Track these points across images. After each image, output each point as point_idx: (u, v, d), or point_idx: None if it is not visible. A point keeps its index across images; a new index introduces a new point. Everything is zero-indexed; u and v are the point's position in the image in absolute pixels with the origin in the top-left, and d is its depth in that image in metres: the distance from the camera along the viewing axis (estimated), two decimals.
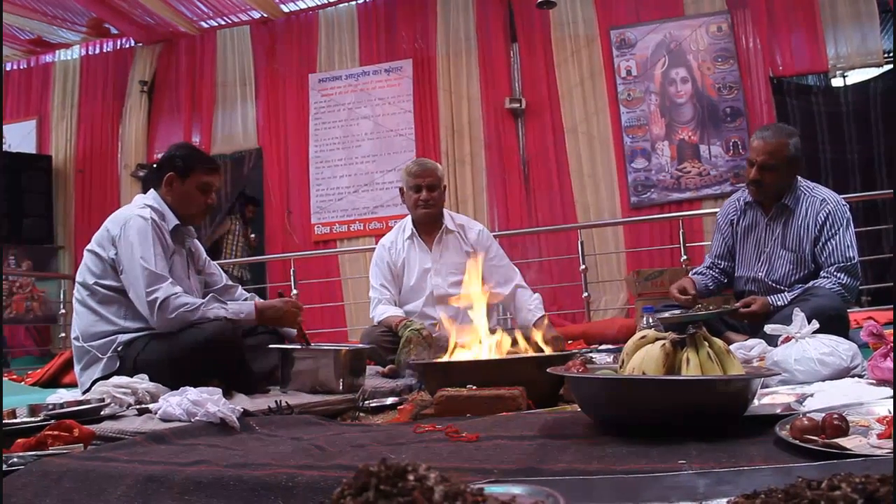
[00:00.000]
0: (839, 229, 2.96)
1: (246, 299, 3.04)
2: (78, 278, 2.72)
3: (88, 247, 2.71)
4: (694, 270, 3.37)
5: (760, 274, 3.11)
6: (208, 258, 3.10)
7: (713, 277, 3.28)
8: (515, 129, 6.93)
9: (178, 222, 2.79)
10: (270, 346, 2.76)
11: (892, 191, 5.52)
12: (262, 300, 2.90)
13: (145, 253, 2.59)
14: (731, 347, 2.12)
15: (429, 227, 3.57)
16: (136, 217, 2.66)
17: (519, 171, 6.84)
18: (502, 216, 6.85)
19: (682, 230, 5.57)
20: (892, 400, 1.51)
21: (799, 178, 3.09)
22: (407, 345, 2.98)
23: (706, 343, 1.53)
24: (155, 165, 3.03)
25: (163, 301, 2.52)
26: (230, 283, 3.13)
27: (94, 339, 2.62)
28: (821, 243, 2.97)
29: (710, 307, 2.99)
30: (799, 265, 3.03)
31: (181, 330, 2.53)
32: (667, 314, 2.94)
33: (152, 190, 2.85)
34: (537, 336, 2.48)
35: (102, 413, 2.09)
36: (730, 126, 6.31)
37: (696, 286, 3.17)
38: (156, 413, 2.02)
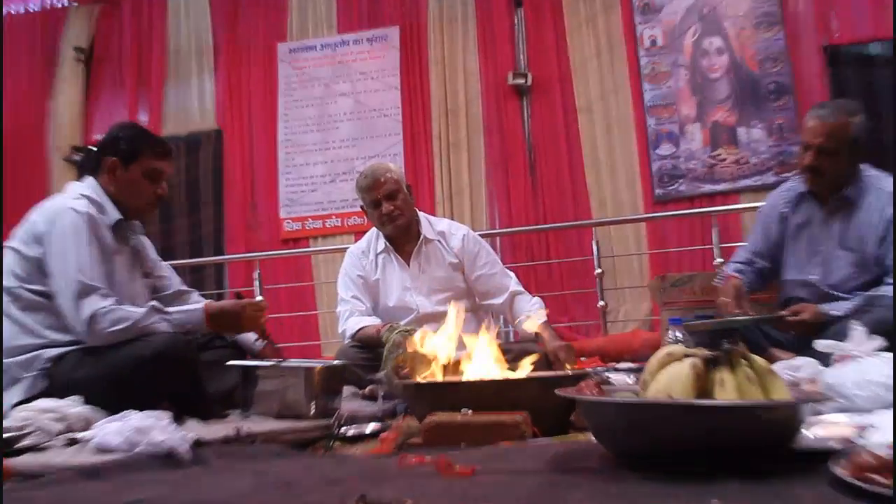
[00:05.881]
0: None
1: None
2: None
3: (9, 243, 2.68)
4: (733, 266, 3.31)
5: (814, 277, 3.09)
6: (159, 258, 3.07)
7: (751, 279, 3.27)
8: (520, 109, 6.93)
9: (120, 216, 2.77)
10: (230, 362, 2.73)
11: None
12: (213, 303, 2.86)
13: (79, 256, 2.56)
14: (775, 367, 2.11)
15: (404, 239, 3.56)
16: (68, 210, 2.63)
17: (524, 158, 6.85)
18: (504, 211, 6.86)
19: (715, 228, 5.56)
20: None
21: (863, 165, 3.08)
22: (395, 349, 2.95)
23: (745, 361, 1.53)
24: (94, 149, 3.01)
25: (91, 317, 2.50)
26: (184, 287, 3.10)
27: (13, 353, 2.58)
28: (887, 243, 2.95)
29: (749, 314, 2.97)
30: (861, 268, 3.01)
31: (123, 344, 2.51)
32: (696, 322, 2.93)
33: (90, 177, 2.83)
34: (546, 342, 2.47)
35: (23, 444, 2.06)
36: (774, 105, 6.31)
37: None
38: (90, 443, 2.00)
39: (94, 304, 2.51)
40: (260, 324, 2.80)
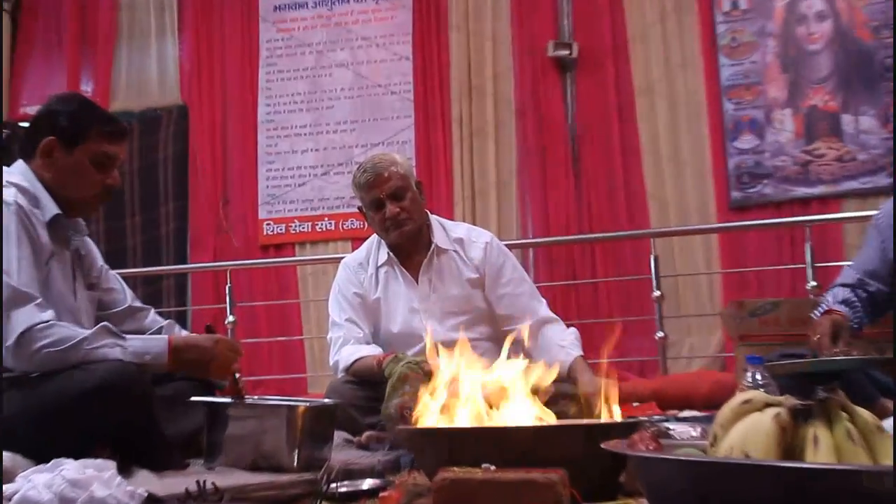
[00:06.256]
0: None
1: (160, 329, 3.02)
2: None
3: None
4: (839, 293, 3.29)
5: None
6: (106, 266, 3.08)
7: (861, 313, 3.25)
8: (562, 88, 6.95)
9: (59, 212, 2.78)
10: (193, 398, 2.74)
11: None
12: (183, 334, 2.86)
13: (7, 257, 2.57)
14: (886, 423, 2.10)
15: (411, 249, 3.57)
16: None
17: (565, 149, 6.86)
18: (539, 215, 6.87)
19: (809, 242, 5.53)
20: None
21: None
22: (401, 386, 2.95)
23: (845, 414, 1.52)
24: (24, 125, 3.02)
25: (23, 333, 2.49)
26: (138, 303, 3.11)
27: None
28: None
29: (852, 353, 2.96)
30: None
31: (58, 372, 2.52)
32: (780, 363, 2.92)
33: (21, 162, 2.84)
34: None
35: None
36: (890, 86, 6.25)
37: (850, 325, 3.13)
38: (10, 499, 2.00)
39: (29, 317, 2.50)
40: (232, 369, 2.79)
